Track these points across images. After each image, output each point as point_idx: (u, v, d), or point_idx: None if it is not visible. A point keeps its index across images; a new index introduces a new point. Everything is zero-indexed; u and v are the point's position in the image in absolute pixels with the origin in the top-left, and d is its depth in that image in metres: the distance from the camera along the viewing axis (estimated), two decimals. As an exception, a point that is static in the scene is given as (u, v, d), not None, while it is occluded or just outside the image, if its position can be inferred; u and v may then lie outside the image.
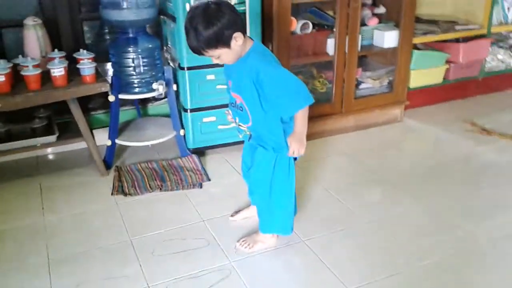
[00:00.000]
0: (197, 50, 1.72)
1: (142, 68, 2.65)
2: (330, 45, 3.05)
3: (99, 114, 3.09)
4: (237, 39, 1.71)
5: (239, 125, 1.96)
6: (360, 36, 3.10)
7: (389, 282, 1.89)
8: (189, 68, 2.70)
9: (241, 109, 1.88)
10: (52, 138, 2.63)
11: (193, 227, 2.26)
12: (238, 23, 1.70)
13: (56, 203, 2.47)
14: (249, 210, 2.31)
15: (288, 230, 2.09)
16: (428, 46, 3.56)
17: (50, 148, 2.95)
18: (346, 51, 3.06)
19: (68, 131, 2.74)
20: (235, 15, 1.70)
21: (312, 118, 3.09)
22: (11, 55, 2.66)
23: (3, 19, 2.78)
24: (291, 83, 1.78)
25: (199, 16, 1.66)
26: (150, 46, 2.67)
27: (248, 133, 1.97)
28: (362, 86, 3.36)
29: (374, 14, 3.30)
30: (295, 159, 1.99)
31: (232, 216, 2.32)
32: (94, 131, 3.03)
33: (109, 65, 2.81)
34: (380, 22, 3.28)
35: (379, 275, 1.93)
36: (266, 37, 2.85)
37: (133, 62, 2.62)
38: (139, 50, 2.62)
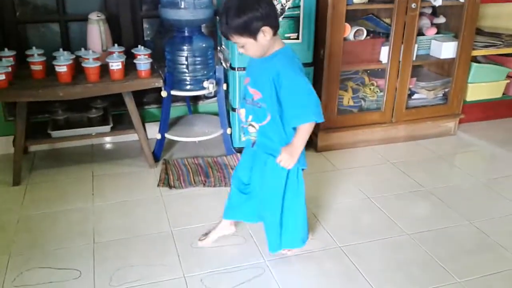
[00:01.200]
0: (224, 33, 1.69)
1: (194, 66, 2.73)
2: (384, 53, 3.00)
3: (152, 109, 3.20)
4: (265, 34, 1.66)
5: (251, 124, 1.85)
6: (416, 46, 3.03)
7: (425, 297, 1.85)
8: (239, 69, 2.75)
9: (258, 105, 1.79)
10: (106, 128, 2.76)
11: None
12: (271, 18, 1.66)
13: (105, 190, 2.59)
14: (220, 229, 2.16)
15: (301, 242, 2.04)
16: (488, 59, 3.42)
17: (104, 138, 3.10)
18: (401, 59, 3.01)
19: (121, 122, 2.87)
20: (270, 9, 1.66)
21: (361, 125, 3.10)
22: (75, 47, 2.82)
23: (70, 13, 2.95)
24: (305, 93, 1.71)
25: (234, 2, 1.64)
26: (204, 45, 2.75)
27: (252, 138, 1.88)
28: (415, 96, 3.28)
29: (433, 24, 3.22)
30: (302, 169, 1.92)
31: (200, 240, 2.16)
32: (146, 124, 3.15)
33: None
34: (438, 32, 3.19)
35: (414, 289, 1.89)
36: (319, 41, 2.86)
37: (186, 60, 2.70)
38: (193, 49, 2.70)
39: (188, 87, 2.79)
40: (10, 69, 2.50)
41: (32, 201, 2.48)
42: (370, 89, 3.13)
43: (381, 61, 3.03)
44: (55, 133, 2.67)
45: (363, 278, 1.94)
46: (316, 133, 3.04)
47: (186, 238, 2.19)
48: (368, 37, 3.00)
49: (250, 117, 1.85)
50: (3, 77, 2.39)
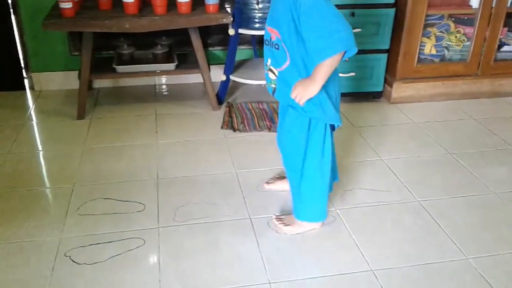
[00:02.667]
0: None
1: (265, 3, 2.54)
2: (475, -4, 2.68)
3: (216, 51, 3.07)
4: None
5: (270, 69, 1.60)
6: (512, -10, 2.68)
7: (517, 260, 1.65)
8: (314, 7, 2.54)
9: (276, 47, 1.53)
10: (171, 66, 2.66)
11: (299, 170, 2.16)
12: None
13: (168, 129, 2.52)
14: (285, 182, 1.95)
15: (320, 216, 1.76)
16: None
17: (167, 78, 3.01)
18: (493, 5, 2.68)
19: (186, 62, 2.77)
20: None
21: (442, 77, 2.83)
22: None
23: None
24: (328, 20, 1.38)
25: None
26: (276, -21, 2.55)
27: (273, 85, 1.62)
28: (505, 48, 2.94)
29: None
30: (333, 129, 1.66)
31: (267, 183, 2.01)
32: (211, 67, 3.04)
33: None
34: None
35: (502, 249, 1.69)
36: (403, -20, 2.58)
37: (257, -5, 2.53)
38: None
39: (256, 25, 2.62)
40: (77, -2, 2.42)
41: (96, 135, 2.45)
42: (455, 37, 2.83)
43: (471, 6, 2.71)
44: (120, 68, 2.60)
45: (445, 234, 1.76)
46: (391, 83, 2.81)
47: (251, 181, 2.08)
48: (460, -24, 2.68)
49: (269, 61, 1.60)
50: (69, 5, 2.32)
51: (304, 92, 1.47)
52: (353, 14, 2.58)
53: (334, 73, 1.51)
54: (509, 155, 2.33)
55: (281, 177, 2.05)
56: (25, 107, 2.75)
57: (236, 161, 2.23)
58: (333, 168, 1.78)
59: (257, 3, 2.55)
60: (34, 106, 2.76)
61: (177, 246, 1.68)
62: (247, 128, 2.53)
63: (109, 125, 2.55)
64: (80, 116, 2.60)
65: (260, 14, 2.59)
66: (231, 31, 2.60)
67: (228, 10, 2.59)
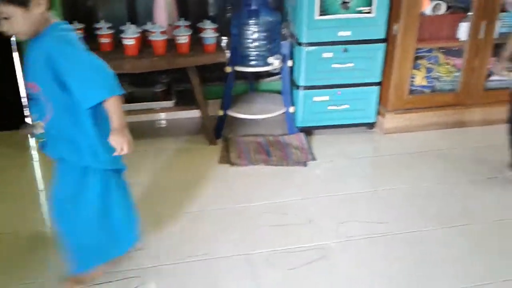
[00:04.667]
0: None
1: (260, 41, 2.65)
2: (463, 29, 2.78)
3: (213, 86, 3.15)
4: (41, 3, 1.39)
5: (38, 124, 1.52)
6: (499, 22, 2.78)
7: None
8: (307, 44, 2.64)
9: (37, 100, 1.49)
10: (170, 103, 2.75)
11: (294, 204, 2.23)
12: None
13: (168, 165, 2.59)
14: None
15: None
16: None
17: (167, 113, 3.09)
18: (481, 37, 2.77)
19: (184, 98, 2.85)
20: None
21: (433, 107, 2.91)
22: (141, 21, 2.81)
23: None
24: (88, 66, 1.42)
25: None
26: (270, 19, 2.66)
27: (42, 140, 1.55)
28: (494, 77, 3.03)
29: (518, -1, 2.94)
30: (118, 172, 1.65)
31: None
32: (208, 101, 3.13)
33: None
34: (523, 7, 2.91)
35: (493, 279, 1.74)
36: (392, 16, 2.68)
37: (252, 35, 2.63)
38: (260, 23, 2.62)
39: (252, 62, 2.72)
40: (79, 41, 2.52)
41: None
42: (445, 68, 2.92)
43: (458, 39, 2.81)
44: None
45: (442, 265, 1.81)
46: (384, 114, 2.89)
47: (249, 215, 2.14)
48: (447, 12, 2.78)
49: (35, 116, 1.53)
50: (73, 48, 2.42)
51: (123, 139, 1.48)
52: (345, 50, 2.68)
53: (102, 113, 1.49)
54: (498, 182, 2.39)
55: None
56: (28, 146, 2.83)
57: (234, 196, 2.29)
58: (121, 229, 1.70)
59: (252, 42, 2.65)
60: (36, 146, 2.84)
61: (176, 285, 1.73)
62: (243, 162, 2.60)
63: (111, 162, 2.62)
64: (82, 153, 2.67)
65: (256, 52, 2.69)
66: (228, 69, 2.70)
67: (224, 46, 2.69)
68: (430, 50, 2.94)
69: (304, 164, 2.59)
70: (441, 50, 2.97)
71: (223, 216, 2.14)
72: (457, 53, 2.91)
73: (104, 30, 2.56)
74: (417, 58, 2.89)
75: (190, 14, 2.95)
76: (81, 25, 2.69)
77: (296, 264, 1.84)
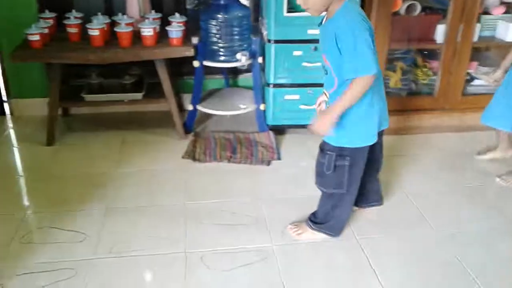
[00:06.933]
0: None
1: (228, 36, 2.62)
2: (440, 31, 2.70)
3: (190, 80, 3.14)
4: None
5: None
6: (479, 25, 2.70)
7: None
8: (276, 42, 2.60)
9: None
10: (138, 95, 2.74)
11: (247, 203, 2.20)
12: None
13: (131, 157, 2.58)
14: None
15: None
16: None
17: (139, 105, 3.08)
18: (458, 40, 2.69)
19: (156, 91, 2.84)
20: None
21: (408, 111, 2.84)
22: (117, 13, 2.79)
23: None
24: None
25: None
26: (239, 15, 2.62)
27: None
28: (475, 82, 2.94)
29: (502, 3, 2.84)
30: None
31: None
32: (184, 95, 3.12)
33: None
34: (507, 11, 2.81)
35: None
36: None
37: (220, 30, 2.60)
38: (228, 18, 2.59)
39: (221, 58, 2.69)
40: (47, 30, 2.53)
41: (60, 161, 2.54)
42: (422, 71, 2.85)
43: (435, 41, 2.74)
44: (88, 97, 2.70)
45: (374, 274, 1.77)
46: (357, 116, 2.83)
47: (198, 213, 2.13)
48: (423, 13, 2.71)
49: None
50: (37, 37, 2.43)
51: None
52: (315, 49, 2.63)
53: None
54: (467, 195, 2.31)
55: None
56: (1, 131, 2.86)
57: (189, 192, 2.28)
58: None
59: (220, 37, 2.62)
60: (8, 131, 2.87)
61: (105, 280, 1.73)
62: (207, 158, 2.58)
63: (75, 153, 2.63)
64: (49, 142, 2.69)
65: (224, 48, 2.66)
66: (196, 63, 2.68)
67: (195, 42, 2.66)
68: (407, 52, 2.87)
69: (268, 163, 2.56)
70: (421, 53, 2.89)
71: (171, 212, 2.13)
72: (435, 55, 2.83)
73: (72, 20, 2.56)
74: (392, 59, 2.83)
75: (165, 8, 2.93)
76: (52, 14, 2.70)
77: (232, 265, 1.81)
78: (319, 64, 2.64)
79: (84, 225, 2.02)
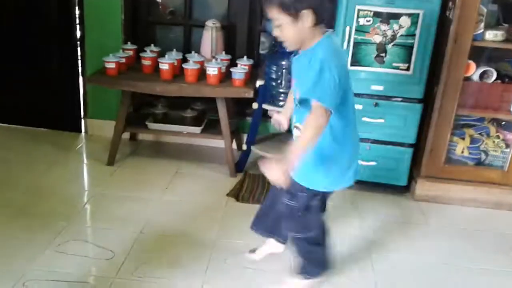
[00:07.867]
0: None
1: (288, 83, 2.64)
2: (517, 102, 2.50)
3: (252, 121, 3.19)
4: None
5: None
6: None
7: None
8: (336, 93, 2.57)
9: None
10: (197, 129, 2.84)
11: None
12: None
13: (178, 187, 2.65)
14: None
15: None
16: None
17: (196, 139, 3.16)
18: (539, 113, 2.47)
19: (214, 127, 2.91)
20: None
21: (474, 182, 2.62)
22: (195, 51, 2.94)
23: (199, 20, 3.12)
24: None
25: None
26: (303, 63, 2.64)
27: None
28: (555, 161, 2.65)
29: None
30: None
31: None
32: (244, 135, 3.17)
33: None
34: None
35: None
36: (434, 77, 2.51)
37: (281, 76, 2.64)
38: (289, 65, 2.61)
39: (281, 103, 2.71)
40: (124, 60, 2.75)
41: (115, 181, 2.68)
42: (494, 142, 2.63)
43: (510, 111, 2.53)
44: (151, 125, 2.85)
45: None
46: (416, 179, 2.68)
47: (225, 252, 2.11)
48: (499, 81, 2.53)
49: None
50: (113, 65, 2.65)
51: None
52: (376, 104, 2.56)
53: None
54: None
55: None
56: (72, 147, 3.10)
57: (222, 229, 2.27)
58: None
59: (280, 82, 2.66)
60: (78, 148, 3.11)
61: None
62: (250, 200, 2.57)
63: (131, 175, 2.77)
64: (110, 162, 2.86)
65: (284, 93, 2.69)
66: (254, 105, 2.73)
67: (257, 85, 2.73)
68: (479, 120, 2.68)
69: (311, 214, 2.49)
70: (495, 123, 2.69)
71: (200, 244, 2.13)
72: (509, 127, 2.61)
73: (147, 53, 2.76)
74: (462, 126, 2.66)
75: (238, 50, 3.05)
76: (133, 46, 2.93)
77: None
78: (380, 120, 2.58)
79: (115, 244, 2.09)
